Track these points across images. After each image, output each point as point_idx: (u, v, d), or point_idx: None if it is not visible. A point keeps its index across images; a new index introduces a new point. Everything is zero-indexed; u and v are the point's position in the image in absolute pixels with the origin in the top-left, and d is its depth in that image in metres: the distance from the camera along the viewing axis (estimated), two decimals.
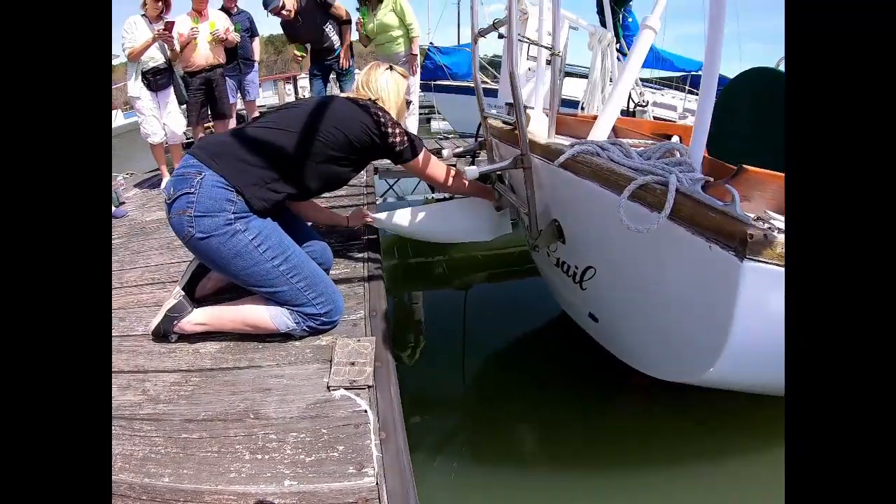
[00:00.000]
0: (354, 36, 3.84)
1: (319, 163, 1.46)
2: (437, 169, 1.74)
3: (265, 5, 3.52)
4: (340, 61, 3.84)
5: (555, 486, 1.56)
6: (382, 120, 1.51)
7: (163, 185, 3.31)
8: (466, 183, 1.79)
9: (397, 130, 1.54)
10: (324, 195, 2.21)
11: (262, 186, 1.37)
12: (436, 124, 9.30)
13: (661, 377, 1.39)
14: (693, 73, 6.76)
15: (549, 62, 1.59)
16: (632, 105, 3.70)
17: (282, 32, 3.83)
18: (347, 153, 1.50)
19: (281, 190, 1.42)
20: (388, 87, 1.65)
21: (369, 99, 1.60)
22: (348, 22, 3.77)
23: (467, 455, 1.74)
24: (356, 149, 1.50)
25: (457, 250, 3.58)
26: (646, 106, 3.72)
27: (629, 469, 1.61)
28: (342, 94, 1.66)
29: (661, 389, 1.46)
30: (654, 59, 6.51)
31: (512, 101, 1.46)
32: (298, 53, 3.87)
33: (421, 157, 1.65)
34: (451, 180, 1.77)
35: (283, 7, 3.46)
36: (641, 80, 6.98)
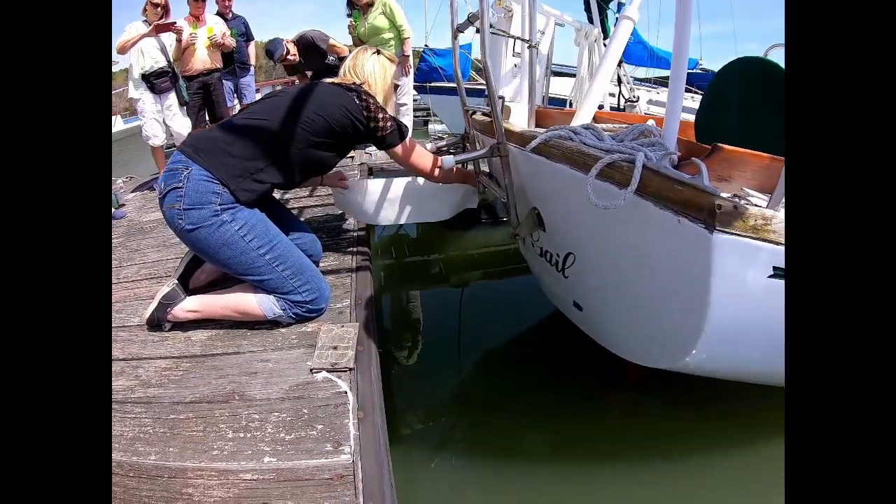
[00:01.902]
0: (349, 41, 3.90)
1: (301, 149, 1.47)
2: (423, 157, 1.74)
3: (269, 55, 3.65)
4: None
5: (543, 480, 1.54)
6: (366, 104, 1.51)
7: None
8: (454, 170, 1.79)
9: (381, 115, 1.54)
10: (316, 193, 2.25)
11: (246, 178, 1.41)
12: (433, 126, 9.36)
13: (646, 364, 1.38)
14: (689, 70, 6.74)
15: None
16: (622, 101, 3.72)
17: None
18: (328, 138, 1.49)
19: (266, 180, 1.45)
20: (374, 72, 1.64)
21: (354, 83, 1.59)
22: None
23: (459, 447, 1.73)
24: (337, 133, 1.50)
25: (453, 248, 3.60)
26: (636, 101, 3.73)
27: (624, 466, 1.58)
28: (328, 80, 1.64)
29: (658, 385, 1.40)
30: (650, 57, 6.53)
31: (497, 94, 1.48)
32: None
33: (407, 143, 1.65)
34: (436, 170, 1.77)
35: (289, 53, 3.61)
36: (637, 78, 6.99)
